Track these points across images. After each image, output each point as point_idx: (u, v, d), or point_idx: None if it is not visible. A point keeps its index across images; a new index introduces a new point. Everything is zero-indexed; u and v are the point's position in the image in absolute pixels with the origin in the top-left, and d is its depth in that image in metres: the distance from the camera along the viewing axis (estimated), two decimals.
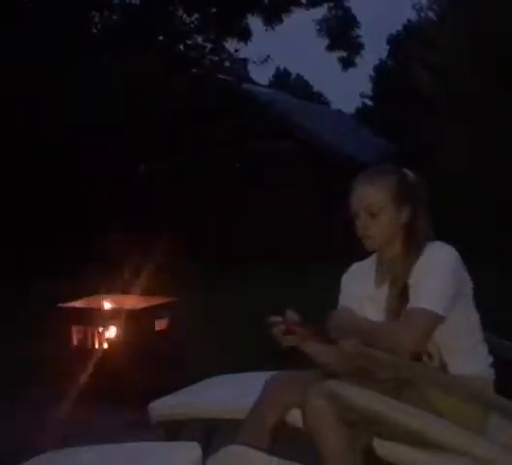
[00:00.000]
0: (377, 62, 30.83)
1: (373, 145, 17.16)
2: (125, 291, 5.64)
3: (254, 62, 16.44)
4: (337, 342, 2.51)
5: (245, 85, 16.70)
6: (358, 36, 16.92)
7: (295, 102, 21.46)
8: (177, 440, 2.68)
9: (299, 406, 2.42)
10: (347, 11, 16.72)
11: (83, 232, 11.88)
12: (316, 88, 40.71)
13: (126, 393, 4.52)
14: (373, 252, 2.63)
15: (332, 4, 16.37)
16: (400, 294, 2.48)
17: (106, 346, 4.96)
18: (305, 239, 14.31)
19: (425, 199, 2.57)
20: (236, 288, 9.13)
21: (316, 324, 2.52)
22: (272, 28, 15.95)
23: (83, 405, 4.45)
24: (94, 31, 14.31)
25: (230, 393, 3.01)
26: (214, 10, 15.11)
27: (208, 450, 1.74)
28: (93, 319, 5.04)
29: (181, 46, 15.31)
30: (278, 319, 2.51)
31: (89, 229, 12.00)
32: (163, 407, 2.99)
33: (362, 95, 31.94)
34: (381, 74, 29.64)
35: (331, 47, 16.84)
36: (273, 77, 39.43)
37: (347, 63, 16.96)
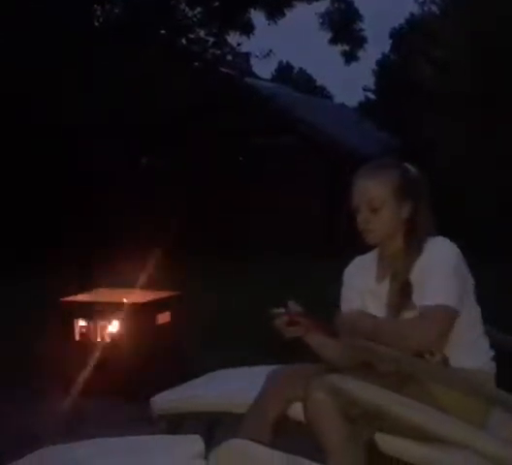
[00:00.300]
0: (380, 56, 30.76)
1: (376, 139, 17.14)
2: (127, 285, 5.64)
3: (257, 56, 16.43)
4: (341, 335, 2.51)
5: (248, 79, 16.69)
6: (361, 29, 16.92)
7: (297, 96, 21.44)
8: (179, 434, 2.68)
9: (301, 400, 2.42)
10: (350, 4, 16.71)
11: (84, 227, 11.88)
12: (319, 82, 40.65)
13: (128, 387, 4.53)
14: (375, 246, 2.63)
15: None
16: (401, 289, 2.48)
17: (108, 340, 4.96)
18: (307, 234, 14.31)
19: (426, 193, 2.57)
20: (237, 282, 9.13)
21: (318, 315, 2.52)
22: (275, 22, 15.92)
23: (85, 399, 4.46)
24: (96, 25, 14.28)
25: (232, 387, 3.01)
26: (217, 3, 15.09)
27: (210, 444, 1.74)
28: (95, 313, 5.03)
29: (184, 40, 15.28)
30: (281, 310, 2.51)
31: (90, 224, 11.99)
32: (165, 401, 2.99)
33: (364, 89, 31.86)
34: (384, 68, 29.55)
35: (333, 41, 16.82)
36: (276, 71, 39.39)
37: (350, 57, 16.94)
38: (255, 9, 15.49)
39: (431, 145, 13.95)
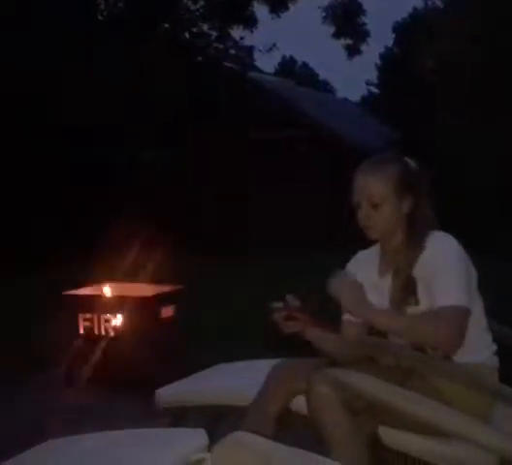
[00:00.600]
0: (383, 50, 30.72)
1: (379, 133, 17.11)
2: (130, 279, 5.65)
3: (260, 50, 16.46)
4: (338, 328, 2.50)
5: (251, 73, 16.66)
6: (364, 23, 16.87)
7: (300, 90, 21.42)
8: (183, 427, 2.69)
9: (304, 393, 2.42)
10: None
11: (86, 221, 11.88)
12: (322, 76, 40.65)
13: (131, 381, 4.54)
14: (376, 241, 2.63)
15: None
16: (404, 285, 2.48)
17: (112, 333, 4.97)
18: (309, 227, 14.30)
19: (427, 188, 2.56)
20: (237, 277, 9.13)
21: (316, 304, 2.51)
22: (278, 16, 15.91)
23: (89, 392, 4.48)
24: (100, 18, 14.28)
25: (235, 381, 3.02)
26: None
27: (213, 437, 1.74)
28: (99, 306, 5.05)
29: (187, 34, 15.27)
30: (279, 305, 2.50)
31: (91, 218, 11.99)
32: (168, 394, 3.00)
33: (367, 83, 31.83)
34: (387, 62, 29.52)
35: (336, 35, 16.79)
36: (279, 65, 39.37)
37: (353, 51, 16.91)
38: (258, 2, 15.48)
39: (431, 141, 13.93)
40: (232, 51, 15.95)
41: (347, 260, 2.75)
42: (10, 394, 4.59)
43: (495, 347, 2.54)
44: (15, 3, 11.70)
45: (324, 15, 16.56)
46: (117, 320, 4.98)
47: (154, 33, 13.97)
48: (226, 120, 14.11)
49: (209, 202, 14.90)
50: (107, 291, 5.28)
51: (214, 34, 15.48)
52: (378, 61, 30.85)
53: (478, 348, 2.48)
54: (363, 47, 16.92)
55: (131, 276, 5.71)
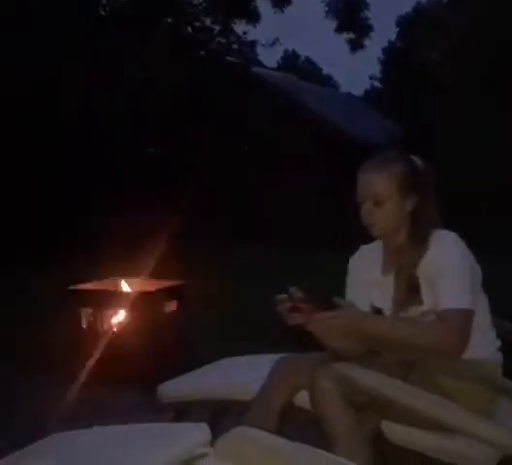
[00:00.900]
0: (386, 44, 30.69)
1: (382, 128, 17.09)
2: (134, 274, 5.64)
3: (263, 45, 16.43)
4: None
5: (254, 68, 16.65)
6: (367, 18, 16.80)
7: (304, 84, 21.38)
8: (186, 421, 2.69)
9: (307, 388, 2.42)
10: None
11: (86, 217, 11.88)
12: (325, 71, 40.64)
13: (135, 375, 4.54)
14: (379, 238, 2.63)
15: None
16: (408, 285, 2.47)
17: (115, 328, 4.97)
18: (311, 223, 14.27)
19: (432, 186, 2.55)
20: (239, 272, 9.13)
21: (321, 296, 2.50)
22: (281, 10, 15.87)
23: (92, 387, 4.48)
24: (102, 13, 14.26)
25: (238, 375, 3.02)
26: None
27: (216, 432, 1.74)
28: (103, 301, 5.05)
29: (189, 29, 15.25)
30: (284, 296, 2.50)
31: (90, 212, 11.99)
32: (171, 389, 3.00)
33: (370, 77, 31.84)
34: (390, 55, 29.50)
35: (339, 29, 16.73)
36: (282, 59, 39.32)
37: (356, 45, 16.84)
38: None
39: (431, 136, 13.91)
40: (235, 46, 15.93)
41: (350, 255, 2.75)
42: (10, 387, 4.60)
43: (498, 343, 2.54)
44: (14, 3, 11.68)
45: (327, 9, 16.49)
46: (120, 315, 4.98)
47: (157, 27, 13.95)
48: (228, 115, 14.08)
49: (210, 200, 14.88)
50: (110, 285, 5.28)
51: (217, 28, 15.45)
52: (381, 55, 30.85)
53: (482, 344, 2.47)
54: (366, 42, 16.84)
55: (133, 273, 5.70)
